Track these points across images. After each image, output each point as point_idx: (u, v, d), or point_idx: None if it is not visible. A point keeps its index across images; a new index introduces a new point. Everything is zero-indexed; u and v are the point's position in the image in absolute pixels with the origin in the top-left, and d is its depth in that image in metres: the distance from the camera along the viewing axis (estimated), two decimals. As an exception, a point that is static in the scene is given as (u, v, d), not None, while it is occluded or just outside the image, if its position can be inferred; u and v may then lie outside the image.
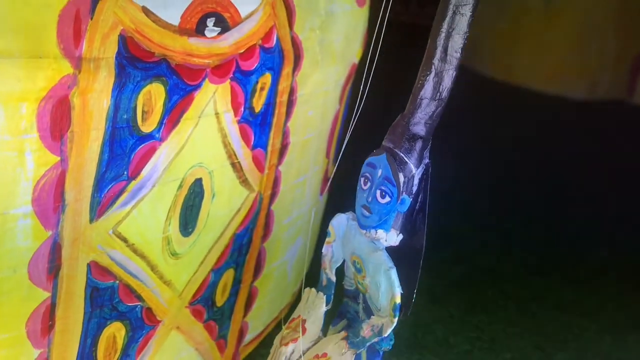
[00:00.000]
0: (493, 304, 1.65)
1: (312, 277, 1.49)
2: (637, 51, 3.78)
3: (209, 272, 1.05)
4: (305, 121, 1.14)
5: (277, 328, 1.39)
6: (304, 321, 0.91)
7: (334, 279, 0.93)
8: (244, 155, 1.01)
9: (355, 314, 0.94)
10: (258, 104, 0.99)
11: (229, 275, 1.11)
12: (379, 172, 0.81)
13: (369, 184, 0.83)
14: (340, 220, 0.90)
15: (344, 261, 0.92)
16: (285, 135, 1.09)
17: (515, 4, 3.84)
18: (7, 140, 0.71)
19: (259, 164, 1.05)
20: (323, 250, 0.92)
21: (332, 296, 0.93)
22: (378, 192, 0.81)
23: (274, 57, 0.98)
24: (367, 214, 0.83)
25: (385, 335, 0.84)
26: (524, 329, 1.56)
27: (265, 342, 1.34)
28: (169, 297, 0.99)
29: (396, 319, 0.82)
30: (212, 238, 1.02)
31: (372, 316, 0.87)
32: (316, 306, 0.92)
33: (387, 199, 0.81)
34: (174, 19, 0.81)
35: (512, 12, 3.85)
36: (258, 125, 1.01)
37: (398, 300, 0.82)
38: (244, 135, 0.99)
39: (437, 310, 1.58)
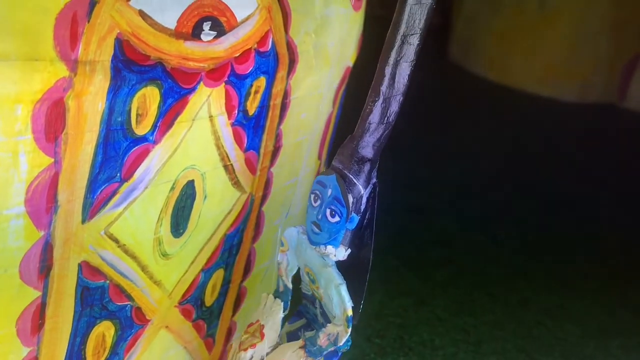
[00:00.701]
0: (479, 307, 1.67)
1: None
2: (629, 55, 3.80)
3: (199, 272, 1.06)
4: (298, 124, 1.14)
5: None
6: (262, 327, 0.93)
7: (290, 285, 0.97)
8: (237, 157, 1.01)
9: (314, 316, 0.96)
10: (252, 107, 1.00)
11: (218, 275, 1.12)
12: (329, 191, 0.85)
13: (319, 201, 0.86)
14: (291, 233, 0.94)
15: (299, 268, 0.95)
16: (278, 137, 1.10)
17: (509, 6, 3.85)
18: (2, 142, 0.71)
19: (251, 166, 1.06)
20: (278, 259, 0.97)
21: (289, 302, 0.97)
22: (328, 210, 0.84)
23: (269, 60, 0.98)
24: (317, 230, 0.86)
25: (341, 344, 0.88)
26: (510, 332, 1.58)
27: (253, 341, 1.36)
28: (159, 296, 1.00)
29: (349, 329, 0.86)
30: (203, 239, 1.03)
31: (328, 324, 0.90)
32: (274, 312, 0.95)
33: (337, 218, 0.84)
34: (171, 23, 0.81)
35: (507, 13, 3.86)
36: (251, 128, 1.02)
37: (350, 313, 0.86)
38: (237, 138, 1.00)
39: (423, 312, 1.60)
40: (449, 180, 2.38)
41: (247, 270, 1.20)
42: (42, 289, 0.83)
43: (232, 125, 0.97)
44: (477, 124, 3.06)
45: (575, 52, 3.76)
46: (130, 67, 0.78)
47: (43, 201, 0.77)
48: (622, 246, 2.13)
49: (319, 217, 0.86)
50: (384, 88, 0.82)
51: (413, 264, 1.80)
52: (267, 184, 1.14)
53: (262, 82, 0.99)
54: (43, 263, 0.81)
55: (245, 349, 0.93)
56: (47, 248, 0.80)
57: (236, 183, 1.04)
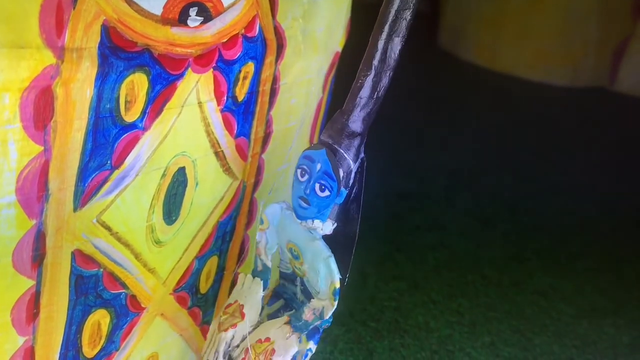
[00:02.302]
0: (473, 289, 1.68)
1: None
2: (619, 39, 3.82)
3: (193, 259, 1.06)
4: (288, 110, 1.14)
5: (261, 314, 1.41)
6: (241, 306, 0.94)
7: (269, 264, 0.97)
8: (227, 143, 1.02)
9: (293, 295, 0.96)
10: (241, 92, 1.00)
11: (212, 263, 1.12)
12: (318, 165, 0.85)
13: (306, 176, 0.86)
14: (274, 210, 0.94)
15: (278, 247, 0.95)
16: (268, 123, 1.10)
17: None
18: (-10, 130, 0.71)
19: (242, 153, 1.06)
20: (257, 237, 0.96)
21: (269, 281, 0.97)
22: (317, 185, 0.85)
23: (257, 46, 0.98)
24: (305, 205, 0.86)
25: (327, 318, 0.88)
26: (504, 313, 1.60)
27: (249, 328, 1.36)
28: (153, 284, 1.00)
29: (336, 302, 0.87)
30: (196, 226, 1.04)
31: (311, 299, 0.90)
32: (253, 291, 0.95)
33: (327, 192, 0.85)
34: (157, 9, 0.81)
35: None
36: (241, 114, 1.02)
37: (337, 285, 0.87)
38: (227, 124, 1.00)
39: (418, 295, 1.61)
40: (441, 165, 2.39)
41: (241, 257, 1.20)
42: (36, 277, 0.83)
43: (222, 111, 0.98)
44: (468, 110, 3.07)
45: (565, 37, 3.77)
46: (118, 53, 0.78)
47: (34, 190, 0.77)
48: (613, 227, 2.15)
49: (307, 191, 0.86)
50: (376, 62, 0.83)
51: (407, 249, 1.81)
52: (259, 170, 1.14)
53: (250, 67, 0.99)
54: (36, 252, 0.81)
55: (226, 329, 0.92)
56: (39, 237, 0.81)
57: (227, 170, 1.05)
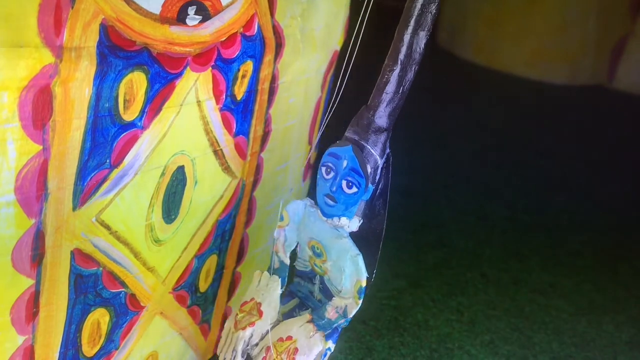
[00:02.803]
0: (472, 287, 1.68)
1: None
2: (618, 37, 3.82)
3: (192, 258, 1.06)
4: (286, 108, 1.15)
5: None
6: (259, 304, 0.93)
7: (287, 261, 0.95)
8: (226, 142, 1.02)
9: (309, 293, 0.95)
10: (240, 91, 1.00)
11: (212, 261, 1.12)
12: (344, 162, 0.84)
13: (332, 173, 0.85)
14: (296, 207, 0.93)
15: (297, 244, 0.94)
16: (267, 122, 1.10)
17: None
18: (-11, 130, 0.71)
19: (241, 151, 1.06)
20: (275, 234, 0.95)
21: (286, 278, 0.96)
22: (344, 182, 0.84)
23: (256, 45, 0.98)
24: (331, 203, 0.85)
25: (350, 316, 0.87)
26: (503, 311, 1.60)
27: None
28: (153, 283, 1.00)
29: (360, 301, 0.86)
30: (195, 225, 1.04)
31: (333, 298, 0.89)
32: (271, 289, 0.94)
33: (354, 189, 0.84)
34: (155, 8, 0.81)
35: (495, -3, 3.86)
36: (240, 112, 1.02)
37: (364, 284, 0.86)
38: (226, 123, 1.00)
39: (417, 293, 1.61)
40: (440, 163, 2.39)
41: (240, 255, 1.20)
42: (35, 277, 0.83)
43: (221, 110, 0.98)
44: (467, 109, 3.07)
45: (564, 35, 3.77)
46: (116, 52, 0.78)
47: (33, 189, 0.77)
48: (612, 225, 2.15)
49: (333, 189, 0.84)
50: (402, 57, 0.82)
51: (406, 247, 1.81)
52: (258, 169, 1.14)
53: (249, 66, 0.99)
54: (35, 251, 0.81)
55: (244, 328, 0.91)
56: (38, 236, 0.81)
57: (226, 168, 1.05)
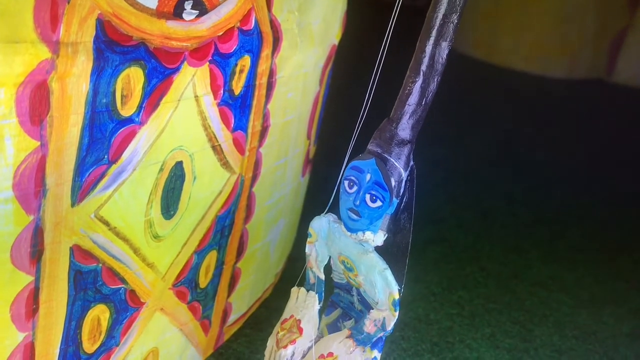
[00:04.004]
0: (472, 281, 1.68)
1: (295, 258, 1.51)
2: (616, 30, 3.81)
3: (192, 253, 1.06)
4: (285, 103, 1.14)
5: (261, 308, 1.41)
6: (298, 321, 0.92)
7: (322, 276, 0.94)
8: (225, 137, 1.01)
9: (350, 303, 0.95)
10: (237, 86, 1.00)
11: (212, 257, 1.12)
12: (367, 176, 0.83)
13: (355, 187, 0.84)
14: (320, 223, 0.91)
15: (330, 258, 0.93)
16: (265, 117, 1.10)
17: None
18: (-14, 126, 0.71)
19: (239, 147, 1.06)
20: (306, 250, 0.93)
21: (323, 293, 0.94)
22: (367, 196, 0.83)
23: (253, 39, 0.98)
24: (355, 217, 0.84)
25: (389, 329, 0.86)
26: (503, 304, 1.60)
27: (249, 323, 1.36)
28: (153, 279, 1.00)
29: (397, 313, 0.84)
30: (194, 220, 1.03)
31: (370, 310, 0.88)
32: (309, 305, 0.93)
33: (379, 203, 0.83)
34: (151, 2, 0.81)
35: (493, -9, 3.86)
36: (238, 107, 1.02)
37: (397, 296, 0.84)
38: (224, 118, 1.00)
39: (418, 288, 1.61)
40: (439, 158, 2.39)
41: (240, 251, 1.20)
42: (35, 273, 0.83)
43: (218, 105, 0.97)
44: (466, 103, 3.06)
45: (562, 29, 3.76)
46: (113, 47, 0.78)
47: (31, 185, 0.77)
48: (612, 218, 2.15)
49: (357, 203, 0.83)
50: (424, 68, 0.81)
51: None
52: (257, 165, 1.14)
53: (246, 61, 0.99)
54: (34, 247, 0.81)
55: (285, 346, 0.90)
56: (37, 232, 0.81)
57: (225, 164, 1.05)
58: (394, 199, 0.83)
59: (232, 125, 1.02)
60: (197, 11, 0.86)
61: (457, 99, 3.07)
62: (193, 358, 1.19)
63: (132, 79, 0.82)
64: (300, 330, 0.92)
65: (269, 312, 1.41)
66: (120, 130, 0.83)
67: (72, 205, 0.83)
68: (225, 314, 1.25)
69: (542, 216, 2.10)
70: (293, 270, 1.55)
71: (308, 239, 0.92)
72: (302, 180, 1.40)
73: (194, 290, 1.11)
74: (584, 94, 3.55)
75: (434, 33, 0.80)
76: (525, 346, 1.46)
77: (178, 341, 1.13)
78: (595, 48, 3.81)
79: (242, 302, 1.29)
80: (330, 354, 0.89)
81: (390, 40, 0.84)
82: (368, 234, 0.85)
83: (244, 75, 1.00)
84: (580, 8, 3.73)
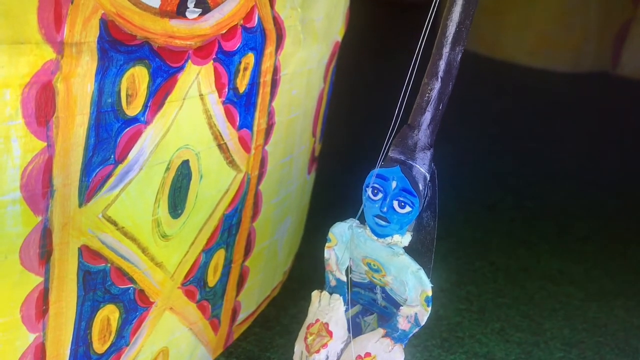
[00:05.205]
0: (481, 276, 1.68)
1: (302, 256, 1.50)
2: (620, 23, 3.80)
3: (200, 252, 1.06)
4: (289, 100, 1.14)
5: (270, 307, 1.41)
6: (326, 325, 0.92)
7: (344, 278, 0.95)
8: (230, 136, 1.02)
9: (371, 300, 0.95)
10: (242, 84, 1.00)
11: (219, 256, 1.12)
12: (393, 183, 0.84)
13: (380, 194, 0.85)
14: (341, 229, 0.92)
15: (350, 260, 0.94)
16: (270, 115, 1.10)
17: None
18: (-7, 127, 0.71)
19: (245, 145, 1.06)
20: (325, 255, 0.94)
21: (346, 295, 0.95)
22: (395, 202, 0.84)
23: (256, 36, 0.98)
24: (384, 223, 0.85)
25: (423, 324, 0.86)
26: (513, 298, 1.59)
27: (258, 321, 1.36)
28: (161, 278, 1.00)
29: (430, 308, 0.86)
30: (202, 219, 1.04)
31: (400, 307, 0.89)
32: (335, 308, 0.93)
33: (408, 208, 0.84)
34: (155, 1, 0.81)
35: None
36: (243, 105, 1.02)
37: (430, 293, 0.86)
38: (229, 116, 1.00)
39: (426, 283, 1.61)
40: (446, 154, 2.39)
41: (248, 249, 1.20)
42: (44, 274, 0.83)
43: (223, 103, 0.97)
44: (471, 99, 3.06)
45: (566, 22, 3.75)
46: (117, 47, 0.78)
47: (38, 186, 0.77)
48: (620, 210, 2.14)
49: (384, 209, 0.84)
50: (442, 73, 0.83)
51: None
52: (263, 162, 1.14)
53: (250, 58, 0.99)
54: (43, 248, 0.82)
55: (317, 351, 0.91)
56: (46, 233, 0.81)
57: (231, 162, 1.05)
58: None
59: (238, 124, 1.02)
60: (200, 9, 0.87)
61: (461, 94, 3.06)
62: (203, 357, 1.20)
63: (137, 78, 0.82)
64: (330, 333, 0.92)
65: (277, 310, 1.41)
66: (126, 129, 0.84)
67: (80, 205, 0.83)
68: (234, 313, 1.25)
69: (549, 209, 2.09)
70: (301, 269, 1.55)
71: (327, 244, 0.93)
72: (308, 178, 1.40)
73: (203, 289, 1.11)
74: (589, 88, 3.54)
75: (450, 39, 0.82)
76: (536, 340, 1.45)
77: (188, 340, 1.13)
78: (600, 41, 3.80)
79: (250, 300, 1.30)
80: (368, 354, 0.89)
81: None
82: (396, 237, 0.86)
83: (248, 73, 1.00)
84: (584, 1, 3.72)
